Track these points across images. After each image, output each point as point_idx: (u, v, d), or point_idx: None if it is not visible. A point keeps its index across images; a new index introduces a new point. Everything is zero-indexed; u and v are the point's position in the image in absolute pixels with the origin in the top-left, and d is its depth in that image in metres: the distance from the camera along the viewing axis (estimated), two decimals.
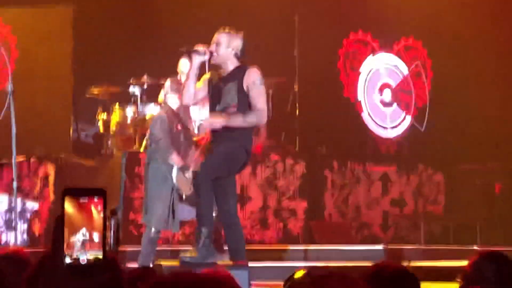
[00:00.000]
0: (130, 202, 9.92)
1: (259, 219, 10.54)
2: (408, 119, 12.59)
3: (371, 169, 11.50)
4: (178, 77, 8.28)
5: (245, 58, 6.76)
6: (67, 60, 11.88)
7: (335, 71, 12.32)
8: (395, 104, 12.60)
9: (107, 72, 11.56)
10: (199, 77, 6.82)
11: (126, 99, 10.56)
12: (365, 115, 12.41)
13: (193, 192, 6.92)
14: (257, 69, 6.67)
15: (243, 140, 6.60)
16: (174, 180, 7.72)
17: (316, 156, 11.40)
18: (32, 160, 10.33)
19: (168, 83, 8.17)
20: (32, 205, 10.19)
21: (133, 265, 6.66)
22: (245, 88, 6.57)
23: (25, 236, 10.07)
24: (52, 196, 10.21)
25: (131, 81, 10.46)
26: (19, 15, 11.89)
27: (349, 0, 12.49)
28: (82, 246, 2.00)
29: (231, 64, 6.68)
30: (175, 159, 7.75)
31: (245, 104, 6.56)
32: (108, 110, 10.73)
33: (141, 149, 9.89)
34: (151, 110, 10.07)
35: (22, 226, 10.06)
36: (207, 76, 6.88)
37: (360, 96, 12.42)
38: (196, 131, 8.39)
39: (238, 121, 6.51)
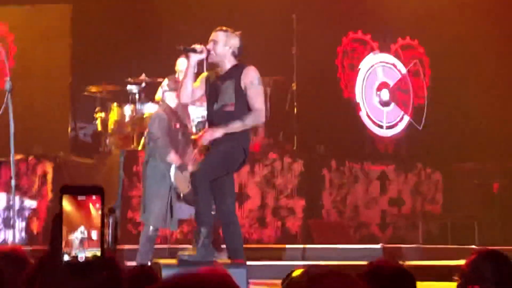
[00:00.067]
0: (128, 201, 9.92)
1: (257, 217, 10.54)
2: (406, 118, 12.60)
3: (369, 168, 11.50)
4: (176, 75, 8.28)
5: (242, 57, 6.76)
6: (65, 59, 11.87)
7: (333, 70, 12.32)
8: (393, 104, 12.61)
9: (105, 70, 11.56)
10: (196, 76, 6.82)
11: (124, 98, 10.56)
12: (363, 114, 12.42)
13: (191, 191, 6.92)
14: (254, 68, 6.67)
15: (241, 139, 6.60)
16: (172, 179, 7.72)
17: (314, 155, 11.40)
18: (30, 158, 10.33)
19: (166, 81, 8.17)
20: (30, 203, 10.19)
21: (131, 263, 6.66)
22: (242, 87, 6.57)
23: (23, 234, 10.07)
24: (50, 195, 10.21)
25: (129, 80, 10.46)
26: (17, 13, 11.87)
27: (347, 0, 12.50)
28: (81, 244, 2.00)
29: (228, 62, 6.68)
30: (173, 158, 7.75)
31: (242, 103, 6.56)
32: (106, 109, 10.73)
33: (139, 148, 9.90)
34: (149, 109, 10.07)
35: (20, 225, 10.06)
36: (204, 74, 6.89)
37: (358, 95, 12.43)
38: (194, 130, 8.40)
39: (237, 126, 6.51)
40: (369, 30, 12.50)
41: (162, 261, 6.78)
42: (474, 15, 12.22)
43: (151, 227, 7.69)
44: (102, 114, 10.74)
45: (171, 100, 7.92)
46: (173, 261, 6.67)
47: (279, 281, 3.23)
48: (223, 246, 6.83)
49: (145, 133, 8.32)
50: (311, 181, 11.01)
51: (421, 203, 11.66)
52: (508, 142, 11.92)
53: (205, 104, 7.04)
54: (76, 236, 2.00)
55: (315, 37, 11.73)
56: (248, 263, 6.54)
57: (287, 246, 9.78)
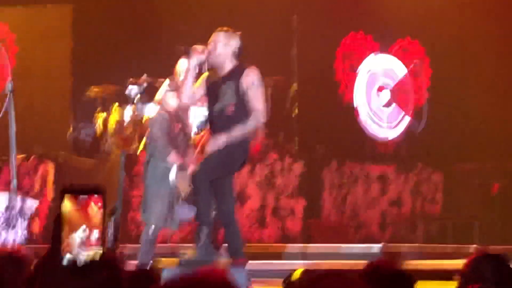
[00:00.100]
0: (129, 201, 9.92)
1: (257, 218, 10.54)
2: (407, 118, 12.59)
3: (370, 169, 11.50)
4: (177, 76, 8.28)
5: (243, 57, 6.76)
6: (66, 59, 11.88)
7: (334, 71, 12.31)
8: (393, 104, 12.60)
9: (106, 71, 11.55)
10: (197, 77, 6.83)
11: (125, 99, 10.56)
12: (363, 115, 12.41)
13: (191, 192, 6.93)
14: (255, 69, 6.67)
15: (242, 139, 6.60)
16: (173, 179, 7.72)
17: (315, 155, 11.40)
18: (31, 159, 10.33)
19: (167, 82, 8.18)
20: (32, 203, 10.19)
21: (132, 263, 6.67)
22: (243, 88, 6.57)
23: (24, 234, 10.07)
24: (51, 195, 10.21)
25: (130, 81, 10.46)
26: (18, 13, 11.88)
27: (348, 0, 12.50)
28: (82, 243, 2.01)
29: (229, 63, 6.68)
30: (173, 158, 7.75)
31: (243, 104, 6.56)
32: (107, 110, 10.73)
33: (140, 148, 9.90)
34: (150, 110, 10.07)
35: (21, 225, 10.06)
36: (205, 75, 6.89)
37: (359, 96, 12.42)
38: (195, 131, 8.40)
39: (239, 131, 6.52)
40: (370, 31, 12.49)
41: (163, 261, 6.79)
42: (474, 15, 12.21)
43: (152, 227, 7.69)
44: (103, 115, 10.74)
45: (172, 100, 7.92)
46: (173, 261, 6.68)
47: (279, 281, 3.24)
48: (224, 246, 6.84)
49: (146, 133, 8.32)
50: (311, 181, 11.00)
51: (421, 203, 11.66)
52: (508, 142, 11.91)
53: (206, 105, 7.05)
54: (77, 236, 2.01)
55: (315, 38, 11.72)
56: (249, 263, 6.55)
57: (288, 246, 9.78)
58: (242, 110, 6.55)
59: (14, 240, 8.15)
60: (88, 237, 2.02)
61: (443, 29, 12.25)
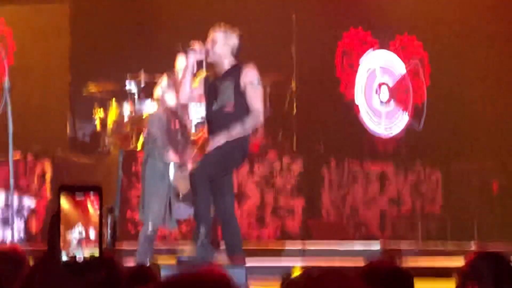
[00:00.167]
0: (127, 200, 9.91)
1: (256, 217, 10.53)
2: (406, 117, 12.59)
3: (369, 168, 11.50)
4: (175, 74, 8.26)
5: (241, 56, 6.74)
6: (64, 57, 11.86)
7: (333, 69, 12.31)
8: (392, 102, 12.60)
9: (104, 69, 11.54)
10: (195, 75, 6.81)
11: (123, 96, 10.55)
12: (362, 114, 12.40)
13: (189, 191, 6.91)
14: (254, 68, 6.65)
15: (241, 138, 6.59)
16: (171, 178, 7.71)
17: (314, 154, 11.40)
18: (28, 157, 10.31)
19: (164, 80, 8.15)
20: (29, 202, 10.17)
21: (130, 262, 6.65)
22: (242, 86, 6.55)
23: (21, 233, 10.05)
24: (48, 193, 10.20)
25: (128, 78, 10.44)
26: (16, 11, 11.86)
27: None
28: (79, 243, 1.99)
29: (227, 61, 6.66)
30: (172, 157, 7.73)
31: (241, 103, 6.55)
32: (105, 107, 10.71)
33: (138, 147, 9.88)
34: (148, 108, 10.06)
35: (18, 223, 10.04)
36: (203, 74, 6.87)
37: (358, 95, 12.42)
38: (193, 129, 8.39)
39: (237, 130, 6.50)
40: (369, 28, 12.48)
41: (161, 260, 6.77)
42: (474, 14, 12.21)
43: (150, 227, 7.67)
44: (101, 114, 10.73)
45: (170, 99, 7.90)
46: (172, 260, 6.66)
47: (278, 281, 3.22)
48: (222, 245, 6.83)
49: (144, 132, 8.31)
50: (310, 180, 11.00)
51: (421, 203, 11.66)
52: (508, 142, 11.91)
53: (204, 103, 7.03)
54: (74, 235, 1.99)
55: (314, 37, 11.72)
56: (248, 262, 6.54)
57: (287, 245, 9.78)
58: (241, 109, 6.53)
59: (11, 239, 8.13)
60: (85, 236, 2.00)
61: (443, 28, 12.25)
